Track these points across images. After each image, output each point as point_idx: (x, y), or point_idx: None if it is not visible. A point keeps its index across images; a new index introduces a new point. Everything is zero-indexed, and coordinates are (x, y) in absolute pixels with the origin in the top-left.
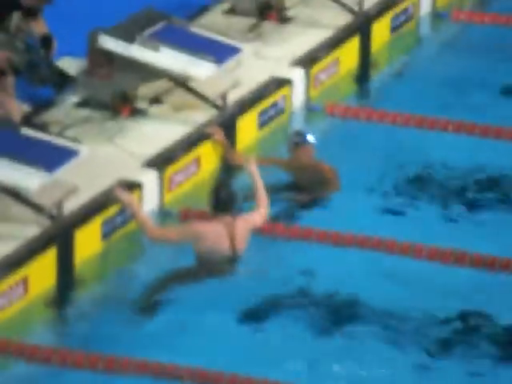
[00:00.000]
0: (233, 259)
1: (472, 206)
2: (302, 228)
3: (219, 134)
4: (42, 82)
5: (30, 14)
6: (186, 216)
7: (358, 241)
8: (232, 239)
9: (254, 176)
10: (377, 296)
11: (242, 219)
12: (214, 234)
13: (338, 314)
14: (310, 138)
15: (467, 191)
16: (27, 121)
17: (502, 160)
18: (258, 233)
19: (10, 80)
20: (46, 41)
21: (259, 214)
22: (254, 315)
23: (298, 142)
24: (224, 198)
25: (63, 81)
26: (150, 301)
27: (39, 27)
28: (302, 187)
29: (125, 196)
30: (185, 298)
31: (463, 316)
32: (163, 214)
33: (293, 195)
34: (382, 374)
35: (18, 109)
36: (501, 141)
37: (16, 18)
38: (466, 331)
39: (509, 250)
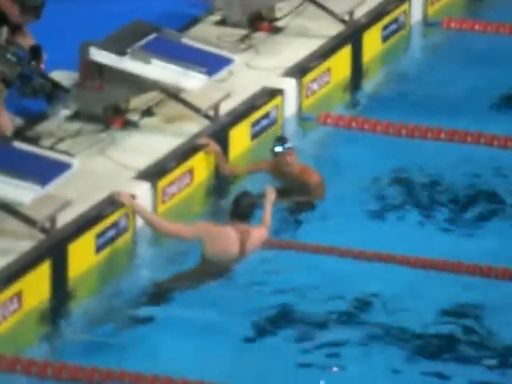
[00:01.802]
0: (236, 263)
1: (465, 215)
2: (294, 241)
3: (212, 145)
4: (35, 94)
5: (17, 28)
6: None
7: (351, 253)
8: (242, 247)
9: (267, 204)
10: (370, 308)
11: (258, 230)
12: (225, 240)
13: (330, 325)
14: (289, 144)
15: (461, 200)
16: (19, 134)
17: (494, 168)
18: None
19: (2, 93)
20: (36, 51)
21: (266, 230)
22: (248, 328)
23: (276, 148)
24: (245, 207)
25: (56, 91)
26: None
27: (26, 40)
28: (288, 193)
29: (126, 199)
30: (180, 312)
31: (454, 325)
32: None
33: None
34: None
35: (9, 122)
36: (494, 148)
37: (4, 32)
38: (458, 340)
39: (499, 258)
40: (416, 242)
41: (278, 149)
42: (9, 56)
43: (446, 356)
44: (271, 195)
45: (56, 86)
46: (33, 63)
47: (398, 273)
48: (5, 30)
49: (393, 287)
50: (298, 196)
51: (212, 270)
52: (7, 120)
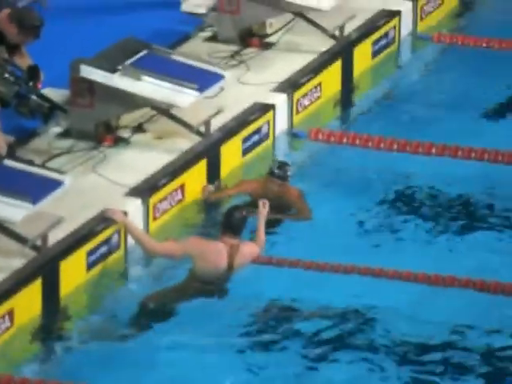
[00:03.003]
0: (226, 281)
1: (457, 229)
2: (285, 257)
3: (118, 216)
4: (32, 114)
5: (15, 48)
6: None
7: (342, 268)
8: (231, 261)
9: (261, 220)
10: (364, 322)
11: (249, 246)
12: (215, 255)
13: (323, 339)
14: (289, 172)
15: (452, 215)
16: (10, 152)
17: (486, 182)
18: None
19: None
20: (33, 72)
21: (259, 246)
22: (239, 342)
23: (276, 174)
24: (236, 221)
25: (53, 111)
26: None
27: (24, 59)
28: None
29: (118, 216)
30: (174, 325)
31: (448, 338)
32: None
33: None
34: None
35: (3, 142)
36: (484, 163)
37: (2, 51)
38: (453, 353)
39: (489, 272)
40: (407, 255)
41: (279, 173)
42: (6, 75)
43: (441, 367)
44: (264, 210)
45: (53, 106)
46: (30, 83)
47: (390, 287)
48: (3, 48)
49: (386, 301)
50: (284, 213)
51: (200, 285)
52: (2, 140)
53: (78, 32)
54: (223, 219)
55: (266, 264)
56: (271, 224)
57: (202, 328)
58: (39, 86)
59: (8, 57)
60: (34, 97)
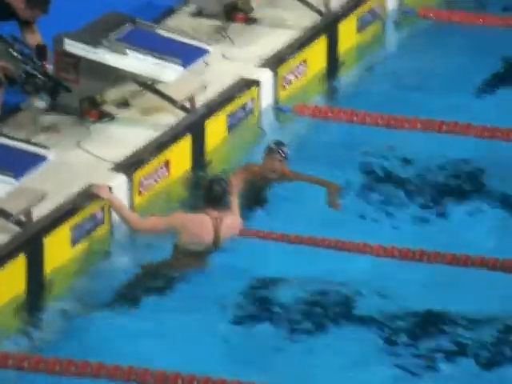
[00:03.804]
0: (211, 252)
1: (442, 203)
2: (274, 231)
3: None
4: (37, 92)
5: (25, 23)
6: None
7: (331, 244)
8: (216, 233)
9: (233, 193)
10: (354, 298)
11: (231, 217)
12: (199, 226)
13: (315, 315)
14: (287, 151)
15: (436, 189)
16: None
17: (470, 157)
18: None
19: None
20: (41, 50)
21: (239, 217)
22: (229, 315)
23: (272, 149)
24: (217, 193)
25: (58, 90)
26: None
27: (34, 37)
28: None
29: (103, 192)
30: (160, 299)
31: (437, 314)
32: None
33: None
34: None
35: None
36: (469, 138)
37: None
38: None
39: (478, 246)
40: (392, 230)
41: (278, 149)
42: (14, 53)
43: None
44: (235, 182)
45: (59, 85)
46: (37, 61)
47: (377, 263)
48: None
49: (374, 277)
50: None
51: (187, 259)
52: None
53: (60, 6)
54: (204, 192)
55: (253, 237)
56: (258, 199)
57: (188, 302)
58: (46, 65)
59: (19, 33)
60: (40, 75)
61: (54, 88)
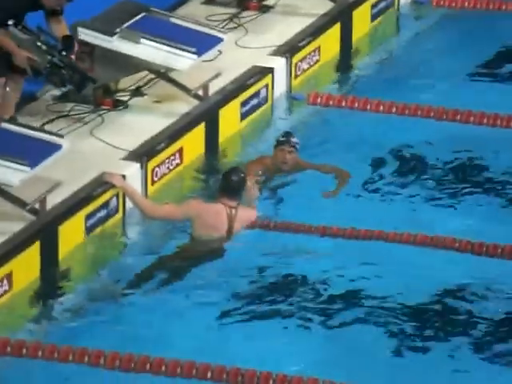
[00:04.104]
0: (225, 242)
1: (456, 191)
2: (289, 221)
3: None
4: (63, 84)
5: (52, 14)
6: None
7: (344, 232)
8: (230, 224)
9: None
10: (366, 285)
11: (245, 209)
12: (214, 216)
13: (327, 303)
14: (295, 140)
15: (451, 177)
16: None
17: (484, 146)
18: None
19: (20, 85)
20: (68, 42)
21: (255, 210)
22: (242, 304)
23: (282, 141)
24: (234, 183)
25: (84, 82)
26: (136, 283)
27: (60, 28)
28: None
29: (116, 180)
30: (174, 288)
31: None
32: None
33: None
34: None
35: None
36: (482, 127)
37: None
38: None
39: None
40: (404, 218)
41: (286, 140)
42: (39, 44)
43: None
44: (250, 174)
45: (84, 76)
46: (63, 53)
47: (391, 249)
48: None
49: (386, 264)
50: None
51: (201, 248)
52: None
53: None
54: (221, 181)
55: (265, 228)
56: (272, 191)
57: (202, 292)
58: (72, 56)
59: (46, 23)
60: (66, 67)
61: (80, 80)
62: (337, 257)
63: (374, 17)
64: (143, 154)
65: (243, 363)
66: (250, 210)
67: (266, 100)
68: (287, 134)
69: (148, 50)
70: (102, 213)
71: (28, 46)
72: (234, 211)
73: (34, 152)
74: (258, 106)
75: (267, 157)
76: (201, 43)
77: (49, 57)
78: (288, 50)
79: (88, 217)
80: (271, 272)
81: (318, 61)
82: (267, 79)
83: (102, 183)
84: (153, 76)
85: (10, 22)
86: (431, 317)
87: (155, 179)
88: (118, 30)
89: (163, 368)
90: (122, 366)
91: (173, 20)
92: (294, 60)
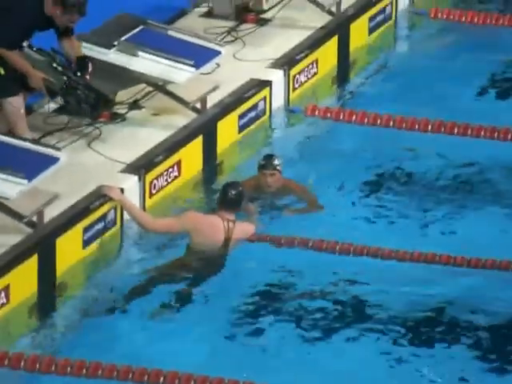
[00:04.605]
0: (223, 256)
1: (454, 206)
2: (284, 236)
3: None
4: (79, 104)
5: (64, 34)
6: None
7: (338, 247)
8: (227, 237)
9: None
10: (361, 299)
11: (242, 224)
12: (211, 228)
13: (318, 319)
14: (276, 162)
15: (450, 191)
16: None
17: (482, 158)
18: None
19: (24, 100)
20: (82, 62)
21: (253, 225)
22: (241, 316)
23: (263, 164)
24: (232, 196)
25: (99, 102)
26: (133, 295)
27: (74, 49)
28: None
29: (114, 193)
30: (172, 300)
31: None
32: None
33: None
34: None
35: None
36: (480, 140)
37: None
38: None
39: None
40: (403, 233)
41: (266, 164)
42: (54, 65)
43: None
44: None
45: (100, 96)
46: (78, 74)
47: (387, 267)
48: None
49: (382, 280)
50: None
51: (198, 260)
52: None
53: None
54: (219, 194)
55: (262, 242)
56: (268, 205)
57: (198, 304)
58: (87, 76)
59: (59, 44)
60: (81, 87)
61: (95, 100)
62: (334, 270)
63: (371, 30)
64: (141, 166)
65: (238, 375)
66: (247, 224)
67: (263, 112)
68: (267, 158)
69: (146, 63)
70: (100, 225)
71: (43, 67)
72: (231, 224)
73: (31, 165)
74: (256, 118)
75: (251, 179)
76: (199, 56)
77: (64, 77)
78: (286, 62)
79: (86, 230)
80: (268, 285)
81: (315, 73)
82: (265, 92)
83: (99, 196)
84: (151, 89)
85: (25, 44)
86: (429, 329)
87: (153, 192)
88: (115, 42)
89: (161, 380)
90: (119, 378)
91: (171, 33)
92: (292, 73)
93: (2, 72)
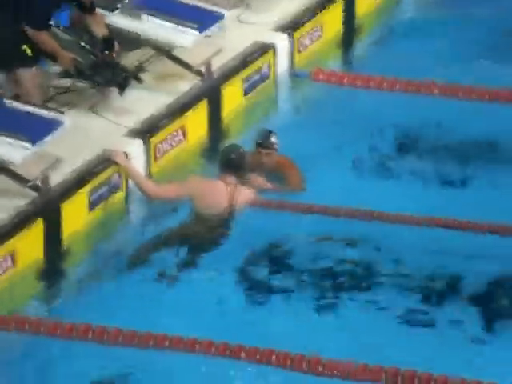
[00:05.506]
0: (227, 220)
1: (460, 169)
2: (288, 201)
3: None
4: (107, 83)
5: (86, 10)
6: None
7: (344, 212)
8: (231, 201)
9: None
10: (363, 264)
11: (245, 189)
12: (214, 192)
13: (323, 281)
14: (273, 139)
15: (455, 153)
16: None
17: (487, 122)
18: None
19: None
20: (109, 42)
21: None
22: (244, 282)
23: (260, 142)
24: (234, 160)
25: (127, 81)
26: (139, 260)
27: (100, 28)
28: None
29: (119, 158)
30: (176, 265)
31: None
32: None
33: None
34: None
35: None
36: (485, 103)
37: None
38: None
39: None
40: (409, 197)
41: (263, 142)
42: (82, 44)
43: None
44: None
45: (128, 75)
46: (106, 52)
47: (390, 230)
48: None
49: (385, 243)
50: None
51: (203, 225)
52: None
53: None
54: (220, 158)
55: (266, 207)
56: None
57: (205, 268)
58: (114, 55)
59: (81, 19)
60: (109, 66)
61: (124, 79)
62: (336, 235)
63: None
64: (146, 130)
65: (241, 340)
66: (249, 189)
67: (268, 76)
68: (265, 136)
69: (149, 27)
70: (105, 189)
71: (71, 46)
72: (234, 188)
73: (35, 129)
74: (261, 82)
75: (249, 154)
76: (202, 19)
77: (92, 57)
78: (290, 25)
79: (91, 193)
80: (273, 249)
81: (320, 37)
82: (269, 55)
83: (104, 160)
84: (154, 53)
85: (52, 23)
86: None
87: (158, 156)
88: (118, 5)
89: (167, 343)
90: (124, 342)
91: None
92: (297, 36)
93: (30, 53)
